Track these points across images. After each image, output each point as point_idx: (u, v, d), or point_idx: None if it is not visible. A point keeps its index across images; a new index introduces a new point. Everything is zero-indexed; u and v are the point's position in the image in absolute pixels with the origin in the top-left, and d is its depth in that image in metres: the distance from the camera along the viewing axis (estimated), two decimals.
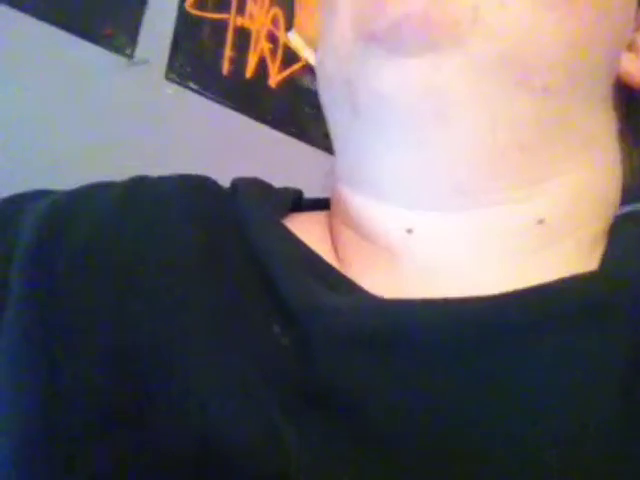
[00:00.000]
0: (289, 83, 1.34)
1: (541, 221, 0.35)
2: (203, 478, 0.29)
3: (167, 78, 1.21)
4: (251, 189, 0.41)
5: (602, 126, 0.38)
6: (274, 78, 1.32)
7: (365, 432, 0.30)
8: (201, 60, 1.24)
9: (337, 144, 0.41)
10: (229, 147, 1.22)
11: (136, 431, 0.30)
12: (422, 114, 0.34)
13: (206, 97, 1.24)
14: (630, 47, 0.38)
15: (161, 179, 0.43)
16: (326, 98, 0.40)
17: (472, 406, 0.30)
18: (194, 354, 0.32)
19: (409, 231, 0.36)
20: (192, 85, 1.23)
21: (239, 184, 0.42)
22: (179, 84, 1.22)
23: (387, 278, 0.36)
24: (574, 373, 0.30)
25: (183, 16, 1.23)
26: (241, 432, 0.29)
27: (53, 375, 0.32)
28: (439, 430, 0.29)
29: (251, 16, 1.29)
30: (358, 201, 0.38)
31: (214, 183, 0.43)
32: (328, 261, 0.37)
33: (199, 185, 0.42)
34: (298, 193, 0.45)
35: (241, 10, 1.29)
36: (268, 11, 1.32)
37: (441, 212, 0.36)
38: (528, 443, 0.28)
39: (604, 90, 0.38)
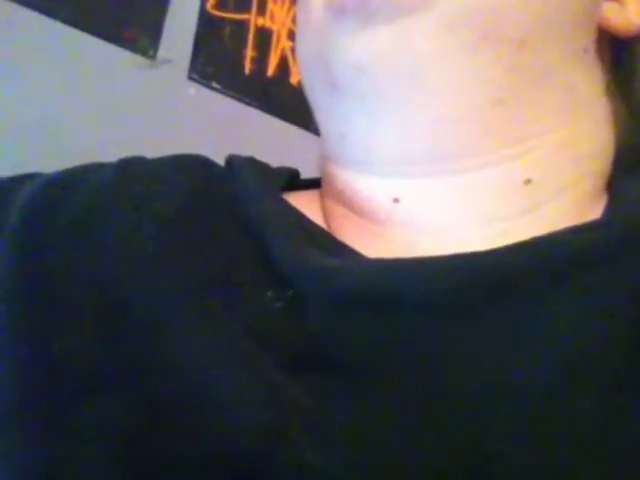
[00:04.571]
0: None
1: (528, 181, 0.35)
2: (202, 443, 0.28)
3: (190, 78, 1.22)
4: (246, 165, 0.42)
5: (585, 80, 0.37)
6: (296, 76, 1.32)
7: (364, 388, 0.30)
8: (223, 60, 1.25)
9: (321, 123, 0.41)
10: (251, 144, 1.22)
11: (128, 397, 0.30)
12: (398, 80, 0.34)
13: (228, 96, 1.25)
14: None
15: (156, 158, 0.43)
16: (306, 79, 0.41)
17: (472, 358, 0.29)
18: (186, 320, 0.31)
19: (396, 200, 0.36)
20: (214, 85, 1.24)
21: (234, 161, 0.42)
22: (202, 84, 1.23)
23: (377, 245, 0.36)
24: (579, 323, 0.29)
25: (205, 17, 1.24)
26: (240, 394, 0.29)
27: (40, 341, 0.32)
28: (440, 384, 0.29)
29: (272, 16, 1.30)
30: (345, 176, 0.39)
31: (208, 160, 0.43)
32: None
33: (193, 161, 0.43)
34: (294, 172, 0.45)
35: (262, 10, 1.30)
36: (289, 11, 1.33)
37: (426, 178, 0.35)
38: (529, 392, 0.28)
39: (584, 42, 0.37)
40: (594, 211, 0.36)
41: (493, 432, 0.27)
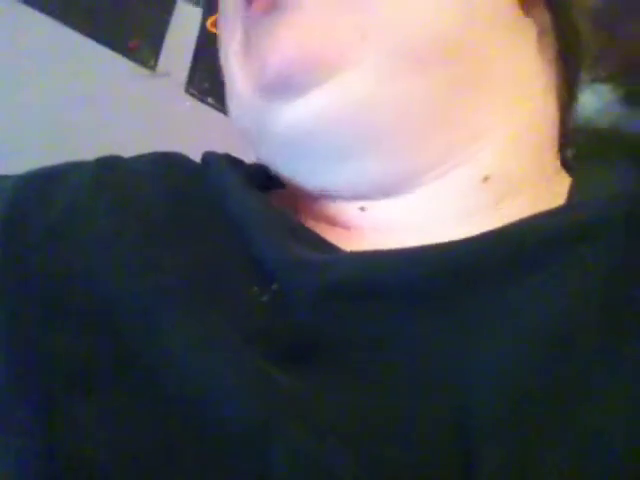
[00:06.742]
0: None
1: (486, 178, 0.36)
2: (195, 436, 0.29)
3: (187, 92, 1.25)
4: (223, 162, 0.42)
5: (527, 75, 0.38)
6: None
7: (353, 375, 0.30)
8: (219, 77, 1.28)
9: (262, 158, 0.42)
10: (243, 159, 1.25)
11: (123, 393, 0.30)
12: (339, 140, 0.35)
13: (223, 112, 1.28)
14: None
15: (134, 157, 0.43)
16: (244, 135, 0.42)
17: (451, 341, 0.30)
18: (173, 316, 0.32)
19: (362, 209, 0.38)
20: (210, 100, 1.28)
21: (210, 158, 0.43)
22: (197, 98, 1.26)
23: (351, 245, 0.36)
24: (553, 304, 0.30)
25: (204, 34, 1.27)
26: (231, 387, 0.29)
27: (31, 340, 0.32)
28: (422, 366, 0.30)
29: None
30: (309, 197, 0.40)
31: (186, 158, 0.44)
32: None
33: (171, 160, 0.43)
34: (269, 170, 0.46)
35: None
36: None
37: (387, 197, 0.37)
38: (512, 375, 0.29)
39: (516, 38, 0.38)
40: (559, 197, 0.37)
41: (478, 412, 0.28)
